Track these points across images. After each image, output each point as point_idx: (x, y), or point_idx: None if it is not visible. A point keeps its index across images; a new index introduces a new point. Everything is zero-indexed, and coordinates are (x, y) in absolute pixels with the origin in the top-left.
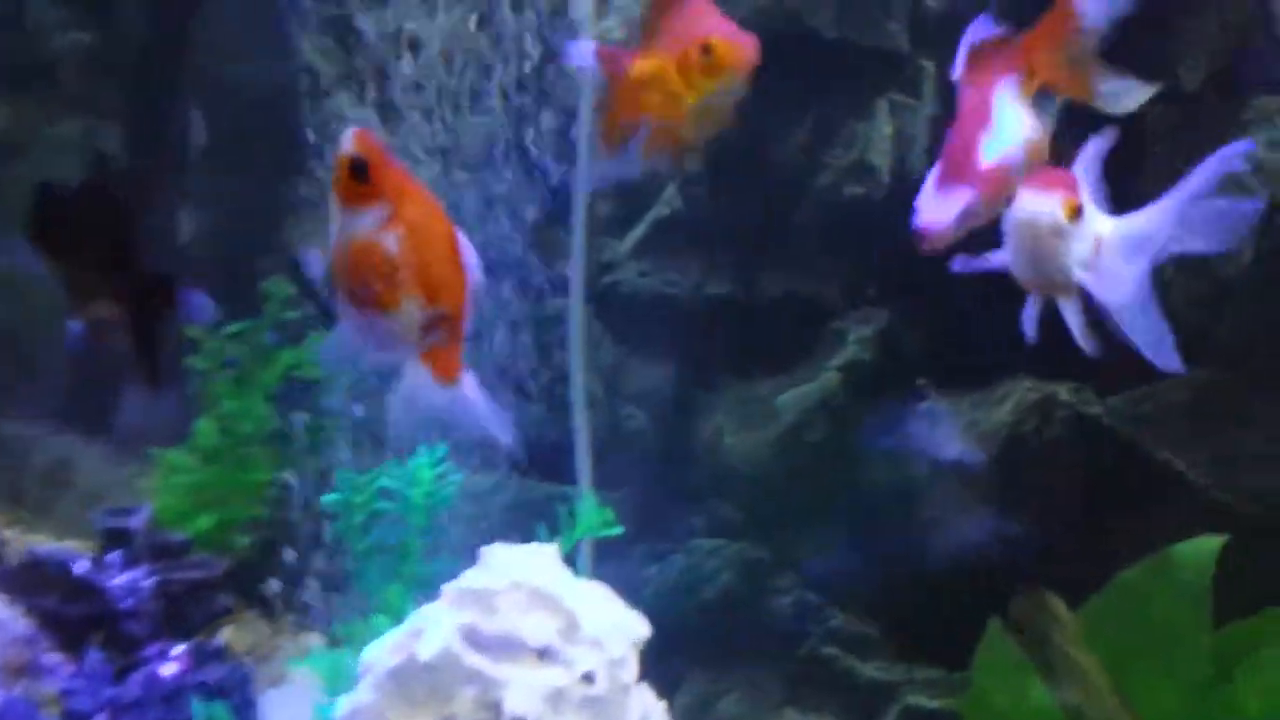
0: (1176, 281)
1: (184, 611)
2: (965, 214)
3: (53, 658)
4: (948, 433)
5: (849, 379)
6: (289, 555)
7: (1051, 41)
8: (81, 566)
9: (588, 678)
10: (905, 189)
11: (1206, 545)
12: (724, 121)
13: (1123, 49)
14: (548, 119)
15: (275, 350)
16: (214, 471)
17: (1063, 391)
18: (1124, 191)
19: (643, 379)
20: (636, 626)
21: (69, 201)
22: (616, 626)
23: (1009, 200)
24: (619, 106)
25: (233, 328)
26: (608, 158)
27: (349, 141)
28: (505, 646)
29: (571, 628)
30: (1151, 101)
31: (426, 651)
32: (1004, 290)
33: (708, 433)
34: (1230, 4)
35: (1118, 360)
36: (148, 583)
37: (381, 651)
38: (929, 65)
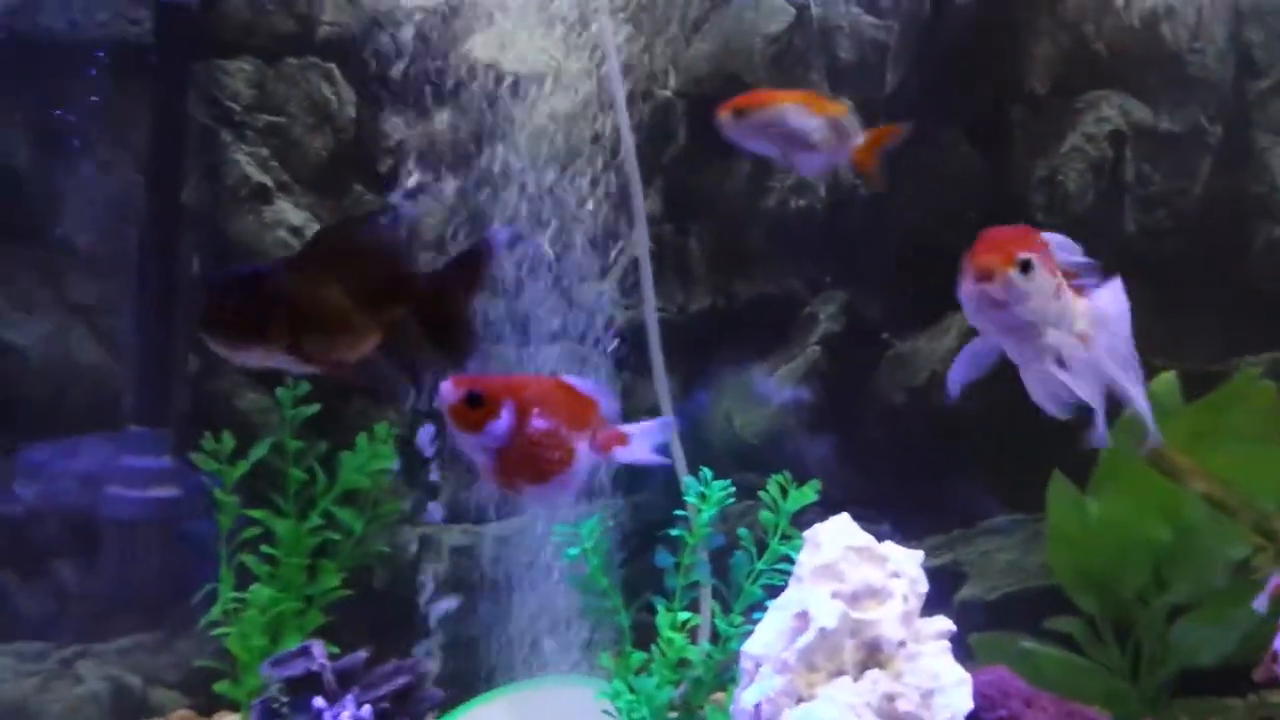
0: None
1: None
2: None
3: None
4: (910, 366)
5: (828, 347)
6: None
7: None
8: None
9: (905, 598)
10: (839, 195)
11: (1165, 379)
12: None
13: (986, 70)
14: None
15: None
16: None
17: None
18: (995, 166)
19: (651, 394)
20: (917, 552)
21: None
22: (907, 556)
23: None
24: None
25: (258, 449)
26: None
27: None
28: (864, 597)
29: (885, 565)
30: (1011, 103)
31: (829, 622)
32: (933, 251)
33: (719, 421)
34: (1062, 30)
35: None
36: (365, 712)
37: (770, 641)
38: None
